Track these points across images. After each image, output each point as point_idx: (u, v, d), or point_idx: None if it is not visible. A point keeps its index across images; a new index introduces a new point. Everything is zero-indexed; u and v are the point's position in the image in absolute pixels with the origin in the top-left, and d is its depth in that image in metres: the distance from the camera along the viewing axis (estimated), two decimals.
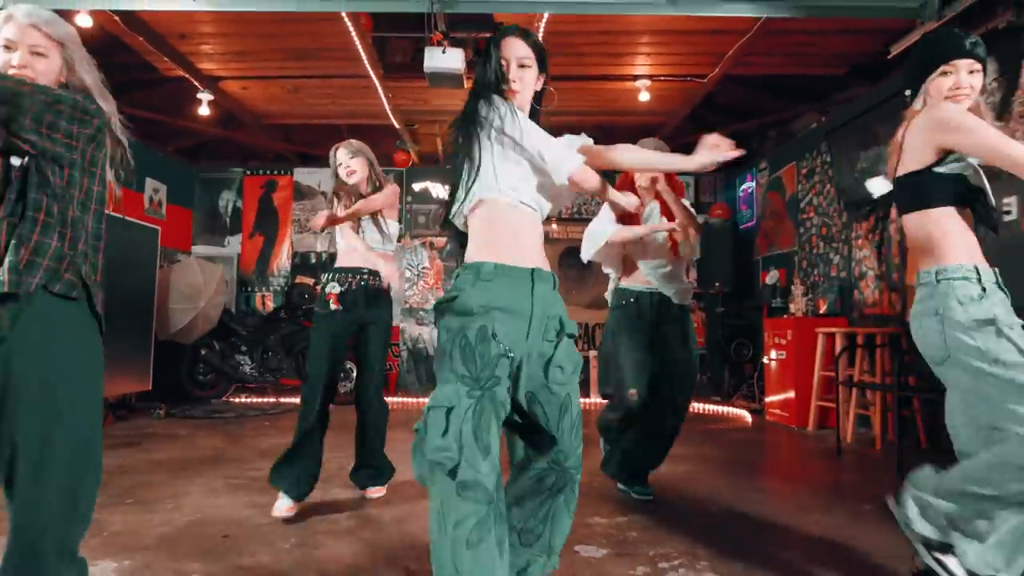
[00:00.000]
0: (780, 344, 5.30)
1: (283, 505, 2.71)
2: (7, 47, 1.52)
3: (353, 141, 3.03)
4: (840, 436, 4.21)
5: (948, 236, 1.81)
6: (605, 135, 6.96)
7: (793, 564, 2.25)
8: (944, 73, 1.83)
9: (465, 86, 4.39)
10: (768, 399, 5.50)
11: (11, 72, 1.50)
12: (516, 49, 1.73)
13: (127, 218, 5.22)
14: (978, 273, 1.77)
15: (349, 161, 2.96)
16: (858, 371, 4.49)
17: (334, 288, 2.86)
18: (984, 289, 1.75)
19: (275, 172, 7.39)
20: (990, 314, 1.72)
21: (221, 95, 5.56)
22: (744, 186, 7.18)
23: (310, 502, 2.88)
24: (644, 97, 5.27)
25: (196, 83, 5.22)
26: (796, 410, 5.02)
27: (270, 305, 7.06)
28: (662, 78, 5.18)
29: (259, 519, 2.71)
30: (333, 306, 2.83)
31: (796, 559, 2.31)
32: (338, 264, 3.00)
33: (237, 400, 6.48)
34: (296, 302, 6.54)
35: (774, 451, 4.40)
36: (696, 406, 6.18)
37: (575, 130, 6.34)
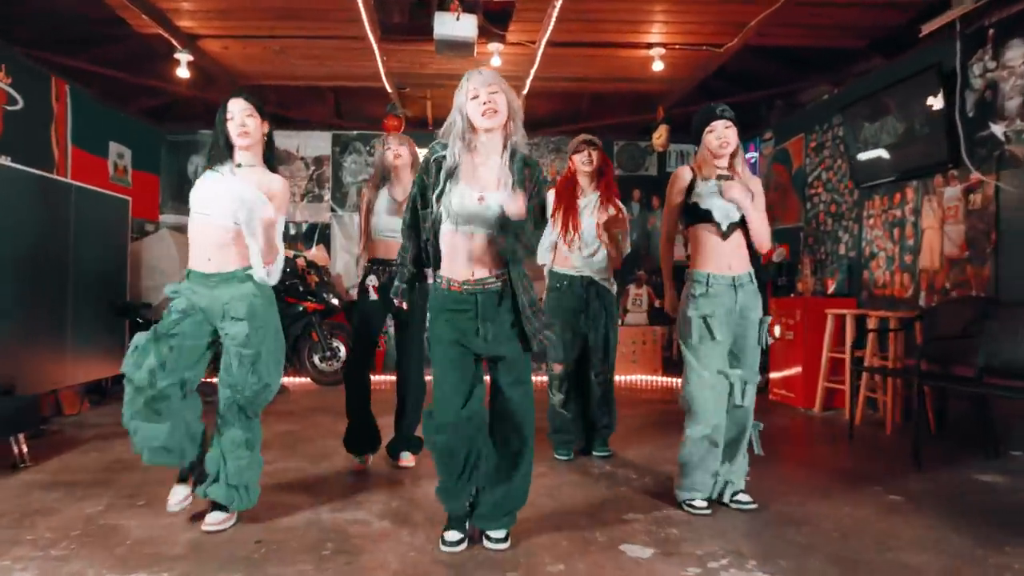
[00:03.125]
0: (788, 324, 5.47)
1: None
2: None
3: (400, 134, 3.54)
4: (851, 419, 4.42)
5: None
6: (607, 103, 7.00)
7: (837, 563, 2.41)
8: (710, 131, 2.86)
9: (475, 54, 4.34)
10: (771, 375, 5.69)
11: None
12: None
13: (94, 188, 5.10)
14: None
15: (398, 148, 3.39)
16: (869, 354, 4.69)
17: (373, 280, 3.38)
18: None
19: None
20: None
21: (198, 54, 5.42)
22: (747, 155, 7.11)
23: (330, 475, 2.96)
24: (658, 66, 5.29)
25: (174, 42, 5.06)
26: (803, 390, 5.23)
27: None
28: (677, 47, 5.20)
29: (287, 520, 2.73)
30: (373, 296, 3.35)
31: (838, 556, 2.46)
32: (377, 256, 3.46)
33: (216, 381, 6.40)
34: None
35: (785, 433, 4.58)
36: None
37: (575, 96, 6.42)
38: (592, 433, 3.76)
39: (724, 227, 2.85)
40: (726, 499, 2.93)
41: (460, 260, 2.33)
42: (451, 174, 2.31)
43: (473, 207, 2.27)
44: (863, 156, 5.13)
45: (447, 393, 2.39)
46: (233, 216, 2.55)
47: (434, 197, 2.33)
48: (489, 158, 2.34)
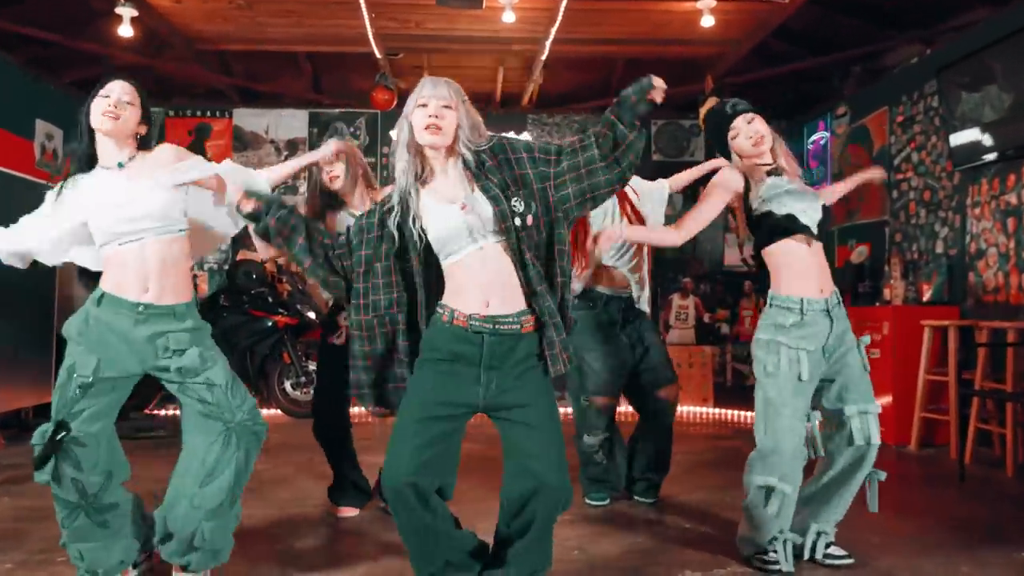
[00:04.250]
0: (873, 340, 5.34)
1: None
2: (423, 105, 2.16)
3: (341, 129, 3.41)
4: (961, 457, 4.30)
5: None
6: (643, 71, 6.95)
7: None
8: (734, 135, 2.84)
9: (484, 5, 4.29)
10: None
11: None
12: None
13: (14, 173, 5.12)
14: None
15: (330, 166, 3.19)
16: (980, 375, 4.56)
17: None
18: None
19: (208, 113, 7.44)
20: None
21: (144, 10, 5.43)
22: (815, 136, 7.30)
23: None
24: (708, 22, 5.27)
25: None
26: (895, 423, 5.12)
27: (205, 289, 7.11)
28: None
29: None
30: (338, 342, 3.29)
31: None
32: None
33: (165, 413, 6.47)
34: (240, 285, 6.45)
35: None
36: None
37: (604, 64, 6.34)
38: (636, 476, 3.73)
39: (815, 229, 2.79)
40: (818, 555, 2.80)
41: (472, 287, 2.15)
42: (404, 200, 2.20)
43: (461, 220, 2.12)
44: (958, 137, 5.09)
45: (397, 446, 2.13)
46: (167, 220, 2.41)
47: (393, 226, 2.21)
48: (446, 170, 2.22)
